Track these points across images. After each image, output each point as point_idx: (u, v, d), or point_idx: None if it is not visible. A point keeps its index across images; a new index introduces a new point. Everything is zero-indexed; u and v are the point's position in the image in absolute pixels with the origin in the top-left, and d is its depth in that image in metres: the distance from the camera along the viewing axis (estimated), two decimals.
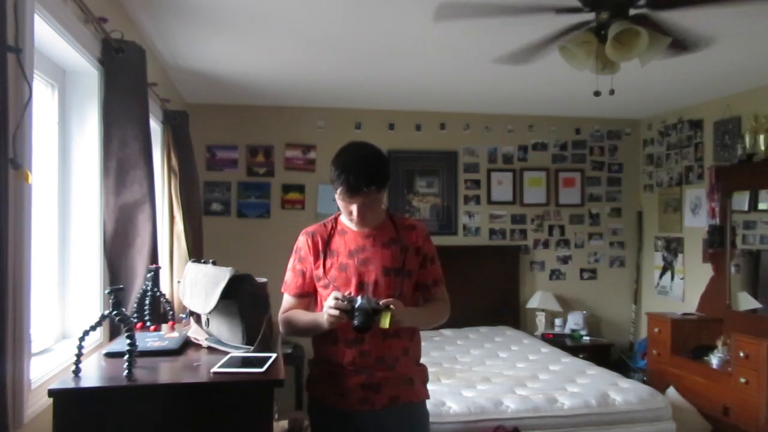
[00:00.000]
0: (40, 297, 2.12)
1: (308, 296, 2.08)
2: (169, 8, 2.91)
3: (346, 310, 1.82)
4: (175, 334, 2.07)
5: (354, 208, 1.95)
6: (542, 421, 3.20)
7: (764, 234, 4.36)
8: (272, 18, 3.08)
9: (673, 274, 5.36)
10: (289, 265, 2.11)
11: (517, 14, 2.64)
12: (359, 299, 1.82)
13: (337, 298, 1.84)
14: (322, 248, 2.04)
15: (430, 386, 2.16)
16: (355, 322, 1.80)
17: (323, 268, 2.03)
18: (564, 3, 2.59)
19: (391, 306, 1.82)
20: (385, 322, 1.81)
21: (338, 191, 1.94)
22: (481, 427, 3.12)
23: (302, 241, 2.08)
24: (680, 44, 2.81)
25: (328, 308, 1.85)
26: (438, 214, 5.54)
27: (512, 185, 5.64)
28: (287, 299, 2.09)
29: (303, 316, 2.03)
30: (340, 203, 1.99)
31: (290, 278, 2.09)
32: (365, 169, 1.91)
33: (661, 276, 5.50)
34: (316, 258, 2.04)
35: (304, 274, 2.07)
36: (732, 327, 4.21)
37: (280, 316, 2.08)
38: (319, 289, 2.05)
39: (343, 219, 2.08)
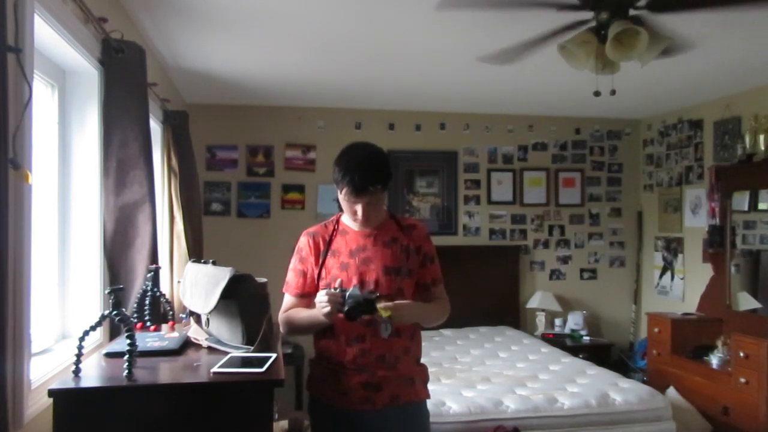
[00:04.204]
0: (40, 297, 2.12)
1: (309, 296, 2.08)
2: (169, 8, 2.91)
3: (338, 301, 1.84)
4: (175, 334, 2.08)
5: (359, 207, 1.96)
6: (542, 421, 3.20)
7: (764, 234, 4.36)
8: (272, 18, 3.08)
9: (673, 274, 5.36)
10: (291, 266, 2.11)
11: (519, 7, 2.62)
12: (351, 288, 1.85)
13: (328, 292, 1.86)
14: (324, 248, 2.05)
15: (430, 386, 2.16)
16: (345, 308, 1.83)
17: (325, 268, 2.03)
18: (565, 0, 2.58)
19: (390, 307, 1.84)
20: (382, 312, 1.82)
21: (343, 192, 1.94)
22: (481, 427, 3.12)
23: (303, 242, 2.09)
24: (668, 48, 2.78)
25: (318, 301, 1.88)
26: (438, 214, 5.54)
27: (512, 185, 5.64)
28: (288, 299, 2.10)
29: (302, 313, 2.04)
30: (344, 204, 1.99)
31: (291, 278, 2.10)
32: (370, 169, 1.92)
33: (661, 276, 5.50)
34: (317, 258, 2.05)
35: (305, 274, 2.07)
36: (732, 327, 4.21)
37: (281, 315, 2.08)
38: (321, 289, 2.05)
39: (345, 219, 2.08)
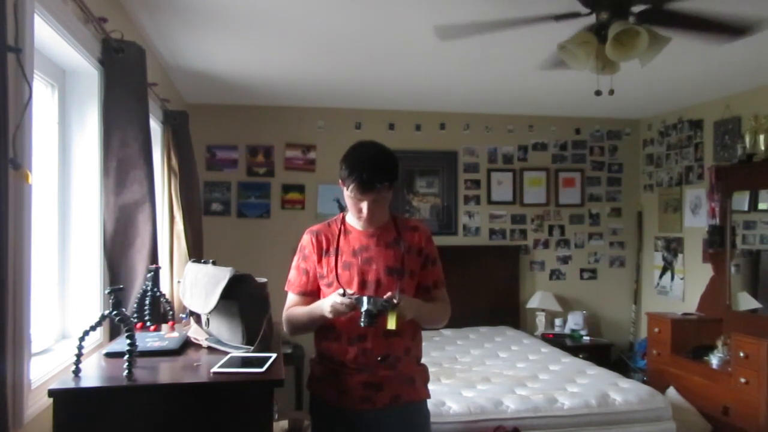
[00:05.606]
0: (40, 297, 2.12)
1: (311, 295, 2.09)
2: (169, 8, 2.91)
3: (354, 308, 1.86)
4: (175, 334, 2.08)
5: (364, 205, 1.96)
6: (542, 421, 3.19)
7: (764, 234, 4.36)
8: (272, 18, 3.08)
9: (673, 274, 5.36)
10: (293, 264, 2.12)
11: (517, 26, 2.66)
12: (365, 301, 1.84)
13: (344, 297, 1.85)
14: (327, 247, 2.06)
15: (430, 386, 2.17)
16: (362, 324, 1.83)
17: (327, 267, 2.04)
18: (562, 9, 2.59)
19: (395, 300, 1.84)
20: (392, 323, 1.85)
21: (350, 188, 1.94)
22: (481, 427, 3.12)
23: (306, 240, 2.09)
24: (729, 29, 2.68)
25: (334, 301, 1.87)
26: (438, 214, 5.54)
27: (512, 185, 5.64)
28: (291, 297, 2.11)
29: (303, 309, 2.05)
30: (349, 201, 2.00)
31: (294, 277, 2.10)
32: (378, 166, 1.93)
33: (661, 276, 5.50)
34: (320, 257, 2.05)
35: (307, 272, 2.08)
36: (732, 327, 4.21)
37: (284, 314, 2.09)
38: (322, 288, 2.06)
39: (349, 218, 2.08)
